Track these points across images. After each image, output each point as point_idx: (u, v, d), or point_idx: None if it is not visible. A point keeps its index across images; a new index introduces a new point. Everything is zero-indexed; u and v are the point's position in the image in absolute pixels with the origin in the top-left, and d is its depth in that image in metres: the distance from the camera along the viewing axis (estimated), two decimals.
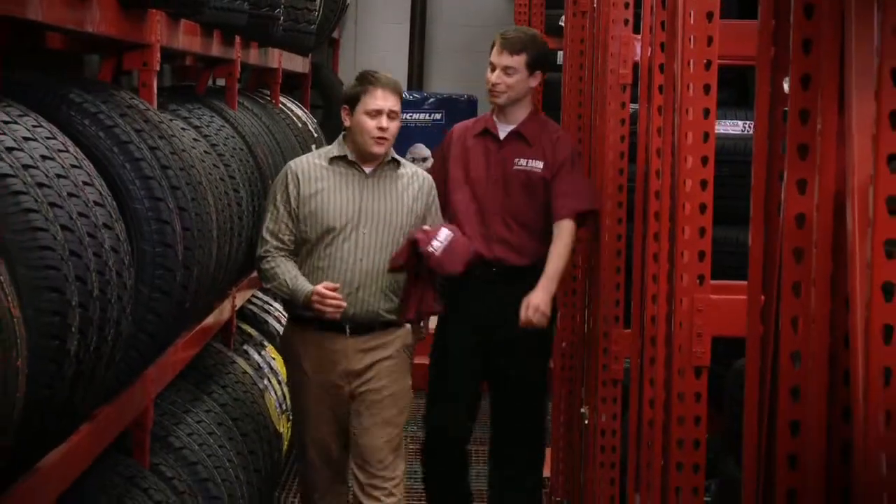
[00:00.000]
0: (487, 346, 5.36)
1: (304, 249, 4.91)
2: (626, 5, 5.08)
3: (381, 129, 4.79)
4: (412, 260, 4.80)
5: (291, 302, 4.92)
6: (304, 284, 4.80)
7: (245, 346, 5.90)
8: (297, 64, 7.48)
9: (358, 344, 4.93)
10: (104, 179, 3.08)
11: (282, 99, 6.91)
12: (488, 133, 5.40)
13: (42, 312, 2.48)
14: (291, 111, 7.01)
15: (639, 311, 4.32)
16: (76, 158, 2.92)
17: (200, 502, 4.24)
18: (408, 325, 5.03)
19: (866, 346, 1.96)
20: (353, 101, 4.87)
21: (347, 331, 4.91)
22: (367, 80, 4.86)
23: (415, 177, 5.01)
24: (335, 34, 10.40)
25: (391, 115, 4.82)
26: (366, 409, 4.95)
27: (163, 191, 3.42)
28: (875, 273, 1.94)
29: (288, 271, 4.85)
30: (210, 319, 4.78)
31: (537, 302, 5.17)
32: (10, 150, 2.60)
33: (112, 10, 3.49)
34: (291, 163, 5.00)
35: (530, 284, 5.21)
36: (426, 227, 4.92)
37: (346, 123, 4.91)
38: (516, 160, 5.34)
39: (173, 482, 4.14)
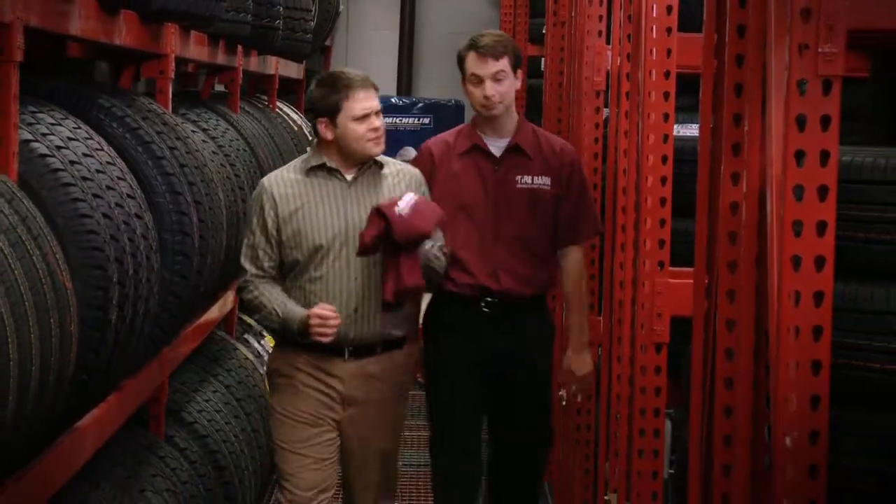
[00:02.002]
0: (490, 382, 4.73)
1: (291, 273, 4.37)
2: (600, 18, 5.50)
3: (374, 129, 4.33)
4: (381, 235, 4.20)
5: (283, 331, 4.36)
6: (295, 310, 4.27)
7: (246, 336, 6.32)
8: (293, 70, 7.89)
9: (358, 368, 4.39)
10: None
11: (278, 103, 7.33)
12: (479, 150, 4.69)
13: (88, 287, 2.90)
14: (287, 115, 7.43)
15: (608, 296, 4.75)
16: (110, 156, 3.34)
17: (210, 471, 4.66)
18: (408, 347, 4.52)
19: (779, 308, 2.39)
20: (332, 110, 4.32)
21: (347, 354, 4.39)
22: (342, 85, 4.33)
23: (400, 175, 4.48)
24: (327, 41, 10.82)
25: (377, 112, 4.37)
26: (355, 439, 4.46)
27: (181, 186, 3.84)
28: (785, 248, 2.37)
29: (275, 298, 4.32)
30: (215, 309, 5.19)
31: (577, 368, 4.73)
32: (58, 147, 3.02)
33: (135, 24, 3.90)
34: (265, 180, 4.44)
35: (536, 315, 4.74)
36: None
37: (328, 137, 4.34)
38: (519, 178, 4.67)
39: (186, 452, 4.56)
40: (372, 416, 4.44)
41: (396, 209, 4.19)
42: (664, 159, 3.96)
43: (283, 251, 4.35)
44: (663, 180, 3.98)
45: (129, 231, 3.17)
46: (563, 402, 5.22)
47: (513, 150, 4.67)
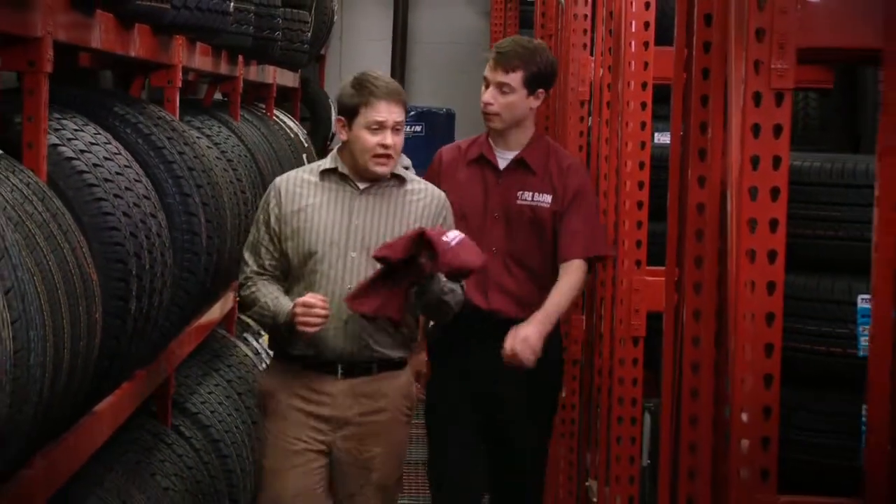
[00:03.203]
0: (485, 405, 4.54)
1: (289, 277, 4.20)
2: (585, 31, 5.78)
3: (384, 146, 4.07)
4: (404, 258, 3.94)
5: (275, 327, 4.16)
6: (286, 302, 4.06)
7: (245, 334, 6.59)
8: (289, 79, 8.17)
9: (351, 388, 4.14)
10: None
11: (275, 111, 7.61)
12: (485, 160, 4.56)
13: (110, 279, 3.16)
14: (284, 122, 7.71)
15: (590, 294, 5.03)
16: (126, 160, 3.60)
17: (213, 459, 4.92)
18: (407, 369, 4.26)
19: (737, 297, 2.66)
20: (350, 112, 4.11)
21: (339, 371, 4.14)
22: (367, 90, 4.08)
23: (422, 194, 4.19)
24: (322, 51, 11.09)
25: (395, 128, 4.10)
26: (349, 466, 4.20)
27: (190, 188, 4.10)
28: (742, 243, 2.64)
29: (269, 293, 4.12)
30: (216, 308, 5.45)
31: (526, 334, 4.29)
32: (82, 151, 3.29)
33: (147, 36, 4.17)
34: (277, 178, 4.31)
35: None
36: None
37: (342, 137, 4.16)
38: (520, 193, 4.50)
39: (191, 441, 4.82)
40: (365, 441, 4.16)
41: (446, 238, 3.91)
42: (641, 165, 4.25)
43: (281, 251, 4.17)
44: (640, 185, 4.26)
45: (146, 229, 3.44)
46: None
47: (517, 163, 4.51)
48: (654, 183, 4.30)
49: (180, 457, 4.58)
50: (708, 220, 2.99)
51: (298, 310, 3.97)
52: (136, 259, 3.31)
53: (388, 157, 4.10)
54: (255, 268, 4.21)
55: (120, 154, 3.56)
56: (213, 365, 5.66)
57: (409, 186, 4.20)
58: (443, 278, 4.01)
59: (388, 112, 4.08)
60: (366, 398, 4.16)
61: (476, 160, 4.58)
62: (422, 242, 3.91)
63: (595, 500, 4.72)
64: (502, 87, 4.42)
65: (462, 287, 4.14)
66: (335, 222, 4.14)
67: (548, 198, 4.46)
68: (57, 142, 3.24)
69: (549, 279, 4.42)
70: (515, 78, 4.39)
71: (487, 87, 4.47)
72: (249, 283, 4.20)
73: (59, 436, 3.19)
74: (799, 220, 3.07)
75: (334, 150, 4.26)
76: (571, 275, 4.40)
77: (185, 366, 5.20)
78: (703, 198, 3.08)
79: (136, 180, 3.56)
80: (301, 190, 4.19)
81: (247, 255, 4.23)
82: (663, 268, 4.40)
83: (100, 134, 3.54)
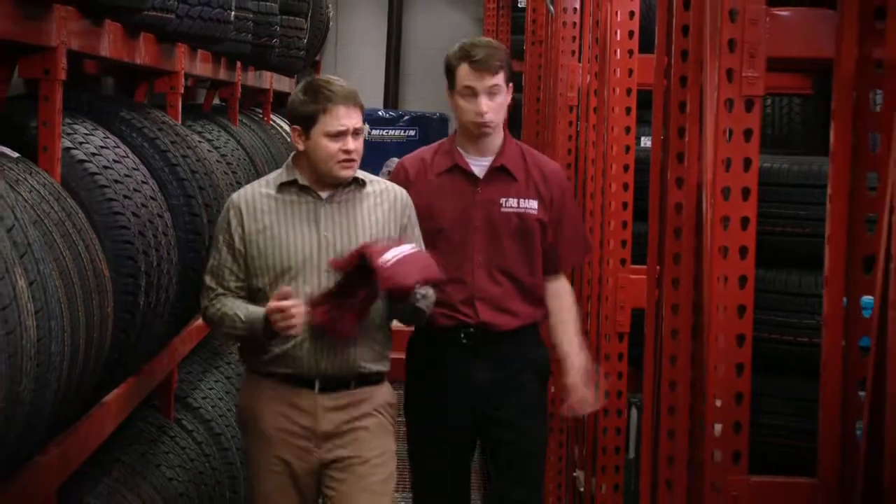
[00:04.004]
0: (479, 422, 4.31)
1: (258, 297, 3.96)
2: (573, 38, 5.96)
3: (346, 151, 3.92)
4: (353, 272, 3.82)
5: (251, 339, 3.98)
6: (257, 310, 3.89)
7: None
8: (285, 84, 8.35)
9: (329, 402, 3.98)
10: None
11: (271, 116, 7.79)
12: (458, 169, 4.29)
13: (121, 275, 3.34)
14: (280, 127, 7.89)
15: (577, 292, 5.21)
16: (134, 163, 3.78)
17: (214, 451, 5.09)
18: (386, 382, 4.11)
19: (710, 291, 2.85)
20: (307, 120, 3.95)
21: (317, 386, 3.98)
22: (323, 96, 3.94)
23: (384, 194, 4.07)
24: (317, 56, 11.27)
25: (356, 133, 3.96)
26: (341, 478, 4.02)
27: (193, 190, 4.28)
28: (715, 240, 2.83)
29: (236, 306, 3.94)
30: None
31: (581, 394, 4.22)
32: (93, 154, 3.47)
33: (152, 45, 4.35)
34: (234, 195, 4.07)
35: (528, 349, 4.29)
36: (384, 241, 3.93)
37: (299, 147, 3.98)
38: (503, 201, 4.25)
39: (193, 434, 4.99)
40: (353, 450, 4.00)
41: (386, 255, 3.75)
42: (626, 168, 4.43)
43: (248, 271, 3.96)
44: (625, 186, 4.45)
45: (153, 228, 3.62)
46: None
47: (497, 170, 4.26)
48: (641, 185, 4.47)
49: (183, 449, 4.75)
50: (685, 219, 3.17)
51: (276, 317, 3.80)
52: (145, 256, 3.49)
53: (352, 160, 3.95)
54: (219, 290, 3.99)
55: (128, 157, 3.74)
56: (213, 362, 5.84)
57: (369, 189, 4.05)
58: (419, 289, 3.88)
59: (347, 117, 3.93)
60: (350, 407, 4.00)
61: (447, 171, 4.29)
62: (363, 261, 3.78)
63: (582, 489, 4.91)
64: (492, 90, 4.19)
65: (433, 291, 4.02)
66: (304, 237, 3.96)
67: (534, 203, 4.25)
68: (70, 145, 3.41)
69: (536, 286, 4.26)
70: (501, 78, 4.20)
71: (471, 96, 4.20)
72: (215, 303, 3.99)
73: (71, 425, 3.36)
74: (768, 219, 3.25)
75: (288, 161, 4.06)
76: (565, 292, 4.28)
77: (186, 362, 5.38)
78: (681, 198, 3.27)
79: (144, 182, 3.74)
80: (262, 206, 3.98)
81: (209, 280, 4.00)
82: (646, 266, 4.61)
83: (108, 138, 3.71)
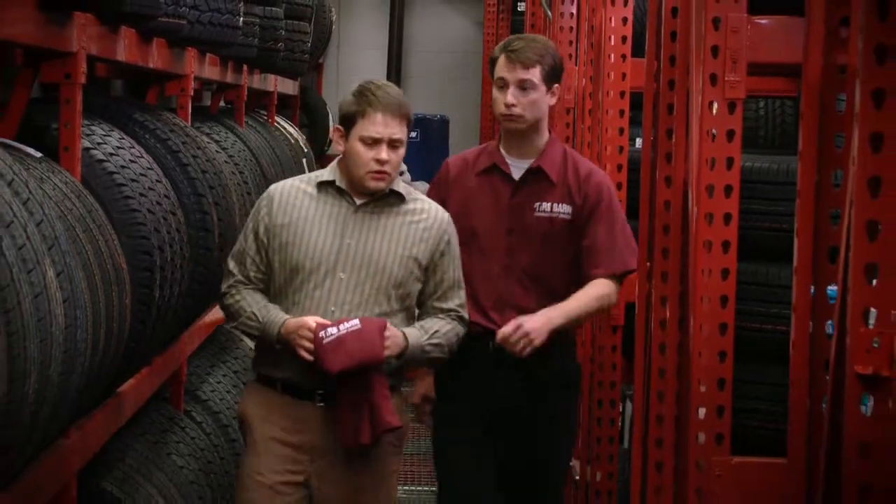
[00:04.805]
0: (501, 434, 4.17)
1: (271, 293, 3.90)
2: (570, 42, 6.14)
3: (379, 161, 3.77)
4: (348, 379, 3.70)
5: (263, 339, 3.88)
6: (277, 314, 3.80)
7: None
8: (289, 87, 8.53)
9: (329, 415, 3.80)
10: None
11: (276, 117, 7.97)
12: (497, 170, 4.18)
13: (138, 269, 3.52)
14: (285, 128, 8.07)
15: None
16: (148, 163, 3.96)
17: (222, 442, 5.27)
18: (396, 396, 3.88)
19: (695, 282, 3.02)
20: (348, 122, 3.83)
21: (317, 398, 3.82)
22: (365, 100, 3.80)
23: (423, 214, 3.88)
24: (320, 59, 11.46)
25: (393, 144, 3.79)
26: (334, 494, 3.86)
27: (203, 189, 4.45)
28: (700, 234, 3.00)
29: (256, 302, 3.86)
30: None
31: (530, 327, 3.92)
32: (111, 154, 3.64)
33: (164, 49, 4.53)
34: (273, 185, 4.00)
35: (557, 361, 4.13)
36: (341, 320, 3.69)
37: (339, 148, 3.89)
38: (537, 205, 4.13)
39: (202, 425, 5.17)
40: (350, 469, 3.84)
41: (322, 334, 3.65)
42: (619, 167, 4.61)
43: (269, 265, 3.88)
44: (619, 185, 4.63)
45: (167, 225, 3.80)
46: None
47: (534, 172, 4.13)
48: (636, 185, 4.63)
49: (193, 439, 4.92)
50: (673, 216, 3.35)
51: (302, 332, 3.69)
52: (160, 251, 3.66)
53: (383, 173, 3.78)
54: (239, 277, 3.91)
55: (142, 157, 3.91)
56: (221, 357, 6.02)
57: (409, 206, 3.89)
58: (422, 339, 3.78)
59: (384, 126, 3.77)
60: None
61: (486, 171, 4.19)
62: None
63: (577, 477, 5.08)
64: (523, 84, 4.05)
65: (462, 318, 3.90)
66: (326, 240, 3.83)
67: (567, 208, 4.10)
68: (89, 146, 3.59)
69: (566, 293, 4.06)
70: (536, 73, 4.05)
71: (503, 87, 4.08)
72: (234, 292, 3.91)
73: (90, 411, 3.53)
74: (750, 215, 3.43)
75: (335, 162, 3.95)
76: (599, 286, 4.05)
77: (195, 357, 5.55)
78: (670, 196, 3.45)
79: (157, 181, 3.91)
80: (295, 201, 3.89)
81: (231, 265, 3.93)
82: None
83: (124, 139, 3.89)
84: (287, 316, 3.77)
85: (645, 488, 3.51)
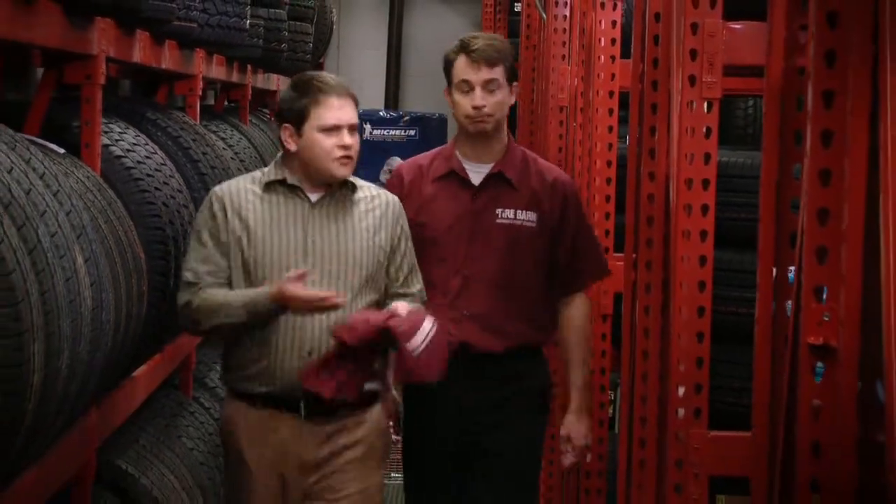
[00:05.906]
0: (466, 448, 3.98)
1: None
2: (564, 43, 6.36)
3: (343, 146, 3.62)
4: (367, 344, 3.55)
5: (236, 349, 3.68)
6: (254, 289, 3.59)
7: None
8: None
9: (316, 429, 3.66)
10: None
11: None
12: (455, 176, 3.98)
13: (154, 257, 3.75)
14: None
15: None
16: (162, 159, 4.19)
17: None
18: (378, 405, 3.77)
19: (675, 268, 3.25)
20: (298, 116, 3.62)
21: (303, 410, 3.64)
22: (314, 89, 3.64)
23: (376, 200, 3.75)
24: (321, 59, 11.68)
25: (351, 129, 3.65)
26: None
27: (213, 183, 4.67)
28: (679, 224, 3.22)
29: (229, 292, 3.61)
30: None
31: (581, 442, 3.95)
32: (128, 151, 3.87)
33: (175, 51, 4.76)
34: (216, 188, 3.72)
35: (524, 374, 3.98)
36: (400, 311, 3.55)
37: (291, 147, 3.64)
38: (499, 212, 3.95)
39: (210, 411, 5.39)
40: (338, 482, 3.70)
41: (410, 345, 3.47)
42: (608, 163, 4.84)
43: (231, 272, 3.62)
44: (608, 181, 4.86)
45: (180, 217, 4.03)
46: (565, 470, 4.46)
47: (495, 177, 3.96)
48: (623, 180, 4.86)
49: (202, 424, 5.14)
50: (656, 209, 3.57)
51: (319, 303, 3.50)
52: (174, 242, 3.89)
53: (349, 157, 3.64)
54: (205, 282, 3.60)
55: (156, 153, 4.14)
56: None
57: (360, 194, 3.74)
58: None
59: (341, 110, 3.63)
60: (337, 434, 3.68)
61: (443, 177, 3.99)
62: (388, 336, 3.50)
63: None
64: (489, 85, 3.88)
65: (424, 302, 3.79)
66: (289, 241, 3.63)
67: (532, 216, 3.95)
68: (107, 142, 3.82)
69: (531, 305, 3.95)
70: (499, 72, 3.90)
71: (468, 90, 3.90)
72: (201, 294, 3.59)
73: (108, 392, 3.76)
74: (726, 206, 3.66)
75: (276, 159, 3.74)
76: (578, 319, 3.99)
77: (203, 346, 5.78)
78: (653, 189, 3.67)
79: (171, 176, 4.14)
80: (246, 204, 3.65)
81: (190, 276, 3.60)
82: None
83: (139, 136, 4.12)
84: (266, 287, 3.54)
85: (630, 464, 3.74)
